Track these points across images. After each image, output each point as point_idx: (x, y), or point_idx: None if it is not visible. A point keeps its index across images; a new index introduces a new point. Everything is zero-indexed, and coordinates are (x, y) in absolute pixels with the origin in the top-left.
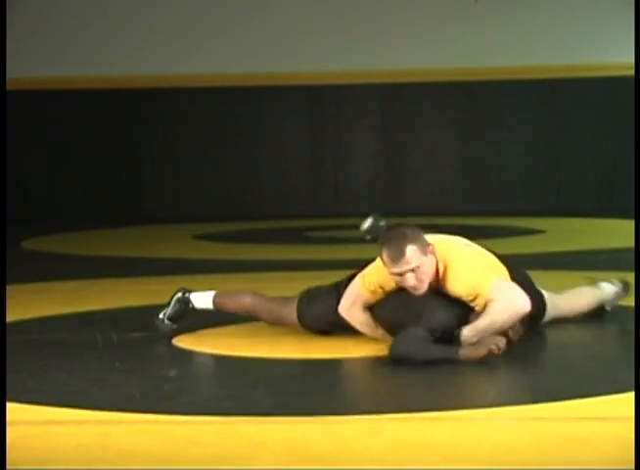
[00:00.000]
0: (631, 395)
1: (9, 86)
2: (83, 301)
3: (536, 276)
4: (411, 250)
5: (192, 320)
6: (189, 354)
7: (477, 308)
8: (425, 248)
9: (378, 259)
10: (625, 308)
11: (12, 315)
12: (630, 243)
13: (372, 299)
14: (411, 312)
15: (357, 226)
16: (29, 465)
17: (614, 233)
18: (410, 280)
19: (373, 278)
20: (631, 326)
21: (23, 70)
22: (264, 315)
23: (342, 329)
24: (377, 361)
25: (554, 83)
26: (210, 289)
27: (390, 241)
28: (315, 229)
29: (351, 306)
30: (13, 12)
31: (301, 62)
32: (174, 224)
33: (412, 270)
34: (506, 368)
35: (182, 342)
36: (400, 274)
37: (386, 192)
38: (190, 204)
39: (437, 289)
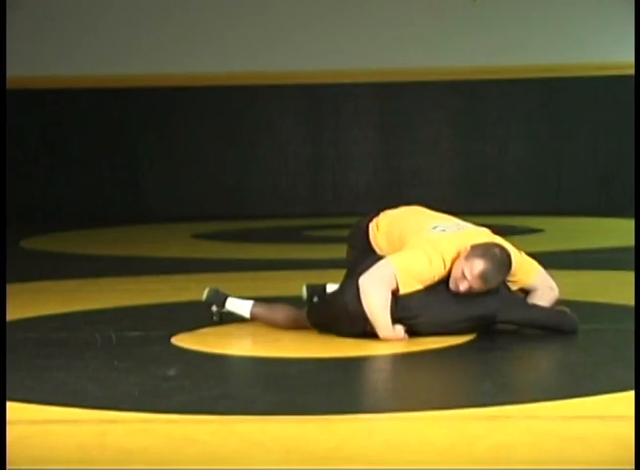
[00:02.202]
0: (629, 394)
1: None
2: (82, 300)
3: None
4: (497, 281)
5: (190, 319)
6: (187, 354)
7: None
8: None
9: (428, 255)
10: (622, 308)
11: (10, 314)
12: (628, 242)
13: (401, 289)
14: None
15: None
16: (27, 464)
17: (612, 232)
18: (465, 288)
19: (418, 272)
20: (629, 325)
21: (20, 70)
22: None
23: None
24: (375, 361)
25: (553, 82)
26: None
27: (494, 262)
28: (314, 228)
29: (380, 284)
30: (8, 11)
31: (300, 61)
32: (173, 223)
33: (475, 288)
34: (504, 367)
35: (180, 341)
36: (466, 281)
37: (384, 191)
38: (189, 203)
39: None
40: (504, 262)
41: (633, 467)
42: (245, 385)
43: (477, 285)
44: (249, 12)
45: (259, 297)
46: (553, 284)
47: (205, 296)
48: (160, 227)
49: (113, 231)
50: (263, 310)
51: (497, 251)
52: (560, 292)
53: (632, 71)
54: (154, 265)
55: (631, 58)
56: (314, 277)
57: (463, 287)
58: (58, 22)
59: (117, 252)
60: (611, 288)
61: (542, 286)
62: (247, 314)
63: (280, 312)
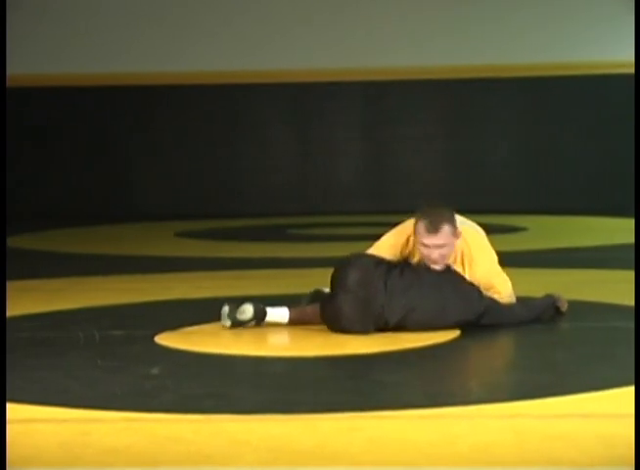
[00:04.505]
0: (613, 392)
1: None
2: (66, 299)
3: (518, 274)
4: (446, 228)
5: (173, 318)
6: (171, 352)
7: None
8: (456, 230)
9: (398, 229)
10: (606, 306)
11: None
12: (613, 240)
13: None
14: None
15: (343, 224)
16: (11, 464)
17: (596, 231)
18: (434, 254)
19: (391, 240)
20: (613, 323)
21: (8, 68)
22: None
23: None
24: (359, 359)
25: (539, 81)
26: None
27: (430, 215)
28: (300, 227)
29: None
30: None
31: (287, 59)
32: (158, 222)
33: (440, 246)
34: (487, 366)
35: (164, 340)
36: (428, 246)
37: (371, 189)
38: (175, 201)
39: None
40: (441, 212)
41: (616, 465)
42: (229, 384)
43: (434, 241)
44: (236, 11)
45: (245, 296)
46: (500, 290)
47: (250, 314)
48: (144, 226)
49: (97, 230)
50: (298, 316)
51: (430, 207)
52: (543, 290)
53: (618, 70)
54: (137, 264)
55: (616, 56)
56: (300, 276)
57: (433, 255)
58: (43, 20)
59: (101, 250)
60: (595, 286)
61: (485, 285)
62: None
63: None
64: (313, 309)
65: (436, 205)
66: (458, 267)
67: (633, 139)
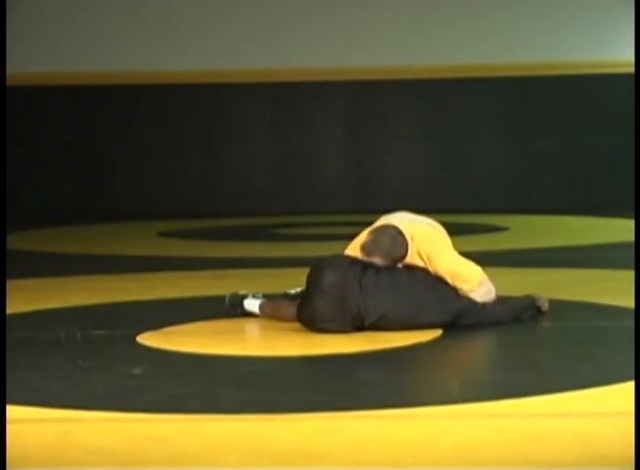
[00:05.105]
0: (593, 391)
1: None
2: (48, 298)
3: (499, 273)
4: (375, 256)
5: (155, 318)
6: (153, 352)
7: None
8: (394, 249)
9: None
10: (588, 305)
11: None
12: (594, 240)
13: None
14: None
15: (325, 224)
16: None
17: (577, 231)
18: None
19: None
20: (594, 322)
21: None
22: None
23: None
24: (340, 359)
25: (523, 81)
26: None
27: (371, 235)
28: (282, 226)
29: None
30: None
31: (269, 59)
32: (140, 221)
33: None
34: (469, 365)
35: (146, 339)
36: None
37: (353, 189)
38: (157, 201)
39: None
40: (378, 236)
41: (596, 465)
42: (211, 383)
43: (365, 258)
44: (219, 11)
45: (225, 294)
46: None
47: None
48: (126, 225)
49: (79, 230)
50: (270, 309)
51: (380, 229)
52: (525, 290)
53: (600, 71)
54: (119, 264)
55: (599, 57)
56: (281, 275)
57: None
58: (25, 19)
59: (83, 250)
60: (577, 285)
61: (451, 275)
62: (257, 310)
63: (284, 311)
64: (285, 305)
65: (385, 227)
66: (418, 264)
67: (611, 140)
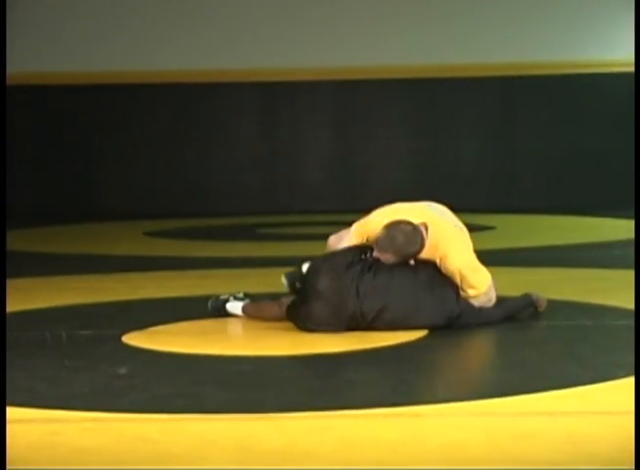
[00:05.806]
0: (580, 389)
1: None
2: (33, 298)
3: None
4: (389, 253)
5: (141, 318)
6: (139, 352)
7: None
8: (402, 254)
9: (374, 214)
10: (575, 304)
11: None
12: (580, 239)
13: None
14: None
15: (312, 223)
16: None
17: (563, 230)
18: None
19: (367, 228)
20: (581, 321)
21: None
22: None
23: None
24: (327, 358)
25: (508, 81)
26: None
27: (389, 229)
28: (269, 226)
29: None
30: None
31: (255, 58)
32: (126, 221)
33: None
34: (455, 364)
35: (132, 339)
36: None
37: (339, 189)
38: (143, 200)
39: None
40: (393, 238)
41: (585, 463)
42: (197, 383)
43: (379, 255)
44: (203, 10)
45: (211, 294)
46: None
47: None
48: (112, 225)
49: (65, 229)
50: (254, 310)
51: (395, 224)
52: (511, 289)
53: (584, 70)
54: (105, 263)
55: (583, 56)
56: (267, 275)
57: (382, 259)
58: (10, 19)
59: (69, 250)
60: (564, 284)
61: (460, 276)
62: (240, 313)
63: (267, 311)
64: (268, 305)
65: (403, 223)
66: (431, 259)
67: (596, 139)
